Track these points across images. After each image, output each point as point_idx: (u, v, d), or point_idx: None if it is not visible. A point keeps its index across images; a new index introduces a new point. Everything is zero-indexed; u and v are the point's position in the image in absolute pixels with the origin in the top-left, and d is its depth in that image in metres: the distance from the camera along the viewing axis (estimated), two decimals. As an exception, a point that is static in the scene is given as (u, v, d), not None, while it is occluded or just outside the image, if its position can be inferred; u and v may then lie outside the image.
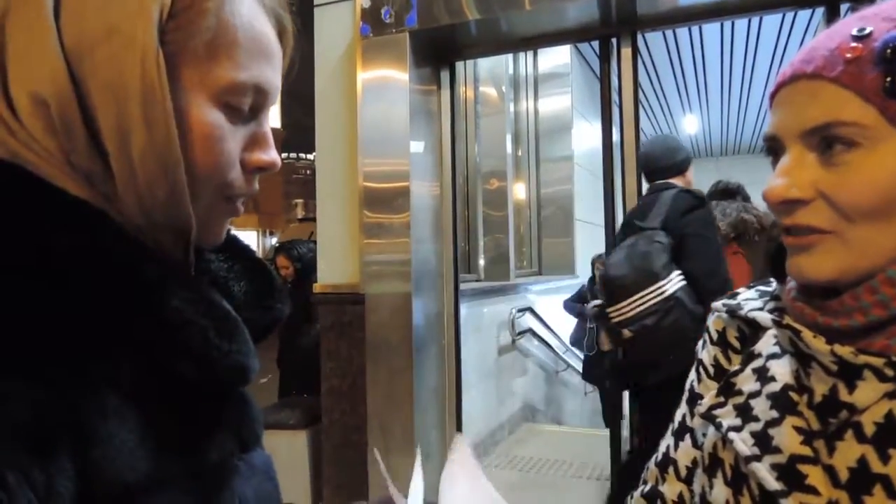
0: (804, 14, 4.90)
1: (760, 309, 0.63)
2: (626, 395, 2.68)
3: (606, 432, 3.78)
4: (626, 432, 2.73)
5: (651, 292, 2.06)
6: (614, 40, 2.66)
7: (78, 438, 0.37)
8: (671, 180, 2.41)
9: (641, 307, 2.06)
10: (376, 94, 2.75)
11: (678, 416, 0.71)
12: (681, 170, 2.46)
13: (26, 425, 0.35)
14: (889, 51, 0.48)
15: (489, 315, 4.25)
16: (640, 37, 2.66)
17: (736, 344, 0.67)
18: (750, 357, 0.62)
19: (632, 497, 0.73)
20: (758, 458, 0.55)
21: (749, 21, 5.08)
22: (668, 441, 0.72)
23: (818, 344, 0.52)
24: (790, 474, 0.53)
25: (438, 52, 2.88)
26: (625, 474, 2.69)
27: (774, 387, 0.57)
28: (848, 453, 0.51)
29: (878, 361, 0.50)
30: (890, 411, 0.50)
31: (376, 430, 2.78)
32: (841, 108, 0.50)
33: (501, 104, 4.87)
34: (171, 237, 0.47)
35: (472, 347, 3.78)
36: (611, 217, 2.73)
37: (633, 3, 2.46)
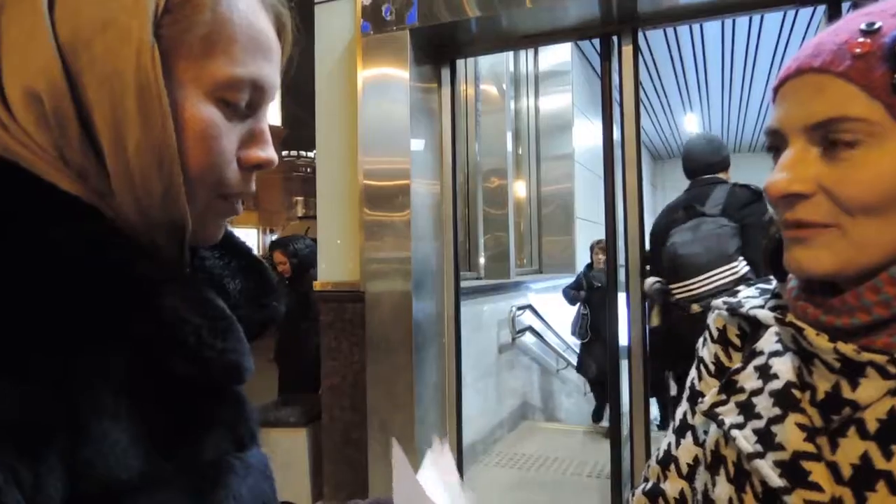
0: (805, 12, 4.90)
1: (761, 307, 0.63)
2: (625, 390, 2.69)
3: (606, 429, 3.80)
4: (625, 431, 2.73)
5: (724, 271, 2.21)
6: (615, 38, 2.65)
7: (70, 436, 0.36)
8: (719, 175, 2.61)
9: (712, 284, 2.21)
10: (377, 92, 2.75)
11: (679, 414, 0.71)
12: (725, 166, 2.68)
13: (15, 423, 0.34)
14: None
15: (489, 313, 4.25)
16: (641, 34, 2.65)
17: (737, 342, 0.67)
18: (752, 355, 0.62)
19: (633, 495, 0.73)
20: (761, 455, 0.55)
21: (750, 19, 5.07)
22: (669, 439, 0.72)
23: (821, 342, 0.52)
24: (793, 471, 0.53)
25: (439, 50, 2.88)
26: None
27: (777, 384, 0.57)
28: (851, 450, 0.51)
29: (881, 359, 0.50)
30: (893, 408, 0.50)
31: (376, 427, 2.78)
32: (847, 103, 0.50)
33: (502, 102, 4.87)
34: (165, 235, 0.46)
35: (473, 345, 3.78)
36: (611, 215, 2.73)
37: (633, 0, 2.46)
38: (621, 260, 2.70)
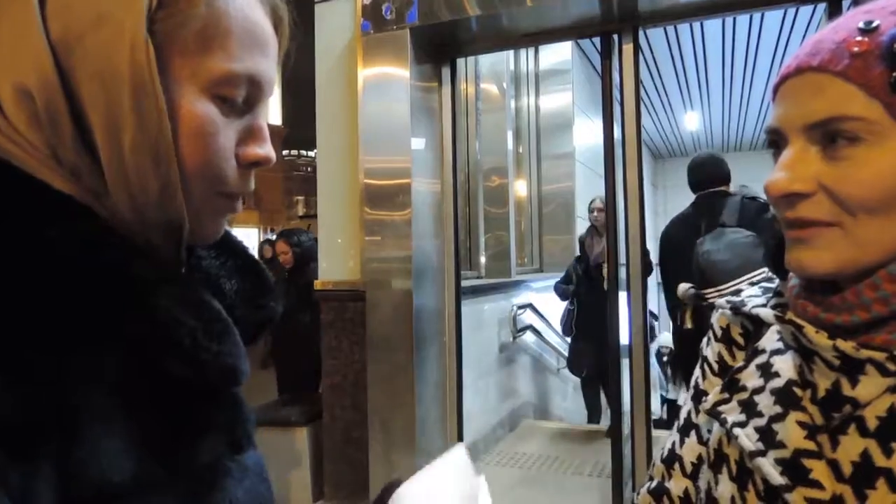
0: (806, 10, 4.89)
1: (764, 305, 0.63)
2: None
3: (606, 428, 3.81)
4: (626, 429, 2.73)
5: (752, 277, 2.38)
6: (616, 36, 2.65)
7: (62, 438, 0.35)
8: (723, 188, 2.97)
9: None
10: (377, 91, 2.75)
11: (683, 413, 0.71)
12: (728, 179, 3.02)
13: (6, 425, 0.33)
14: None
15: (490, 312, 4.25)
16: (641, 33, 2.65)
17: (740, 341, 0.67)
18: (754, 353, 0.62)
19: (638, 494, 0.73)
20: (762, 453, 0.55)
21: (750, 17, 5.07)
22: (673, 437, 0.72)
23: (820, 339, 0.52)
24: (794, 469, 0.53)
25: (439, 49, 2.87)
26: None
27: (778, 382, 0.57)
28: (851, 448, 0.51)
29: (880, 356, 0.50)
30: (892, 405, 0.50)
31: (377, 426, 2.78)
32: (846, 102, 0.50)
33: (502, 101, 4.86)
34: (161, 234, 0.45)
35: (473, 344, 3.78)
36: (612, 213, 2.73)
37: (634, -2, 2.46)
38: (622, 259, 2.70)
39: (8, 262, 0.37)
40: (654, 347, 4.78)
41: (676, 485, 0.69)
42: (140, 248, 0.43)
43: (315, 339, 4.20)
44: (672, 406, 6.07)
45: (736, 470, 0.58)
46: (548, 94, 5.73)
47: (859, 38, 0.50)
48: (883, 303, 0.51)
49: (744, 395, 0.59)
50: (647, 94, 7.13)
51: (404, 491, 0.53)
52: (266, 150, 0.49)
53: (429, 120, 2.88)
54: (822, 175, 0.52)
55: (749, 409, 0.58)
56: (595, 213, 4.13)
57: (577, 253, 4.50)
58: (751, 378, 0.60)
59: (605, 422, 4.15)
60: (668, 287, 3.17)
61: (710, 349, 0.70)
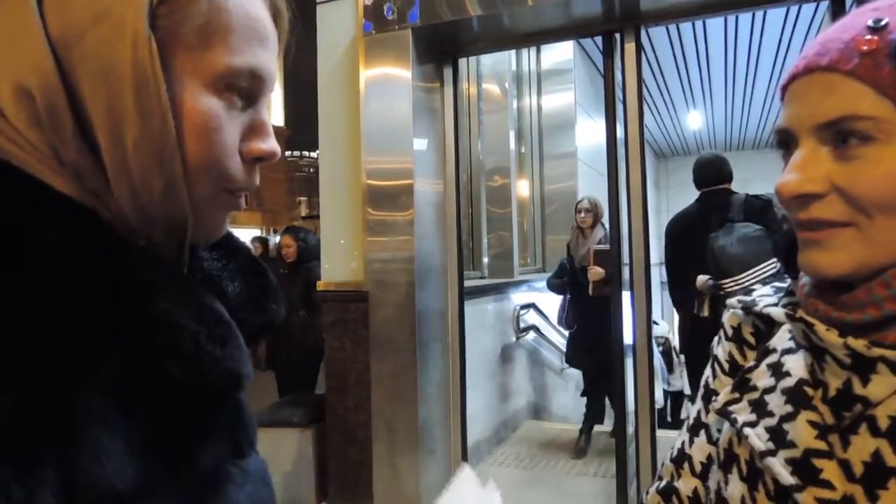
0: (808, 8, 4.89)
1: (775, 305, 0.62)
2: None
3: (610, 428, 3.80)
4: (630, 429, 2.72)
5: (766, 267, 2.65)
6: (618, 35, 2.65)
7: (63, 446, 0.35)
8: (727, 186, 3.16)
9: (759, 278, 2.64)
10: (379, 92, 2.74)
11: (693, 412, 0.71)
12: (731, 178, 3.20)
13: (8, 435, 0.33)
14: None
15: (493, 312, 4.24)
16: (643, 31, 2.65)
17: (751, 340, 0.66)
18: (765, 353, 0.61)
19: (647, 494, 0.73)
20: (772, 453, 0.54)
21: (753, 15, 5.06)
22: (683, 437, 0.71)
23: (831, 337, 0.52)
24: (805, 469, 0.52)
25: (441, 49, 2.87)
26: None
27: (789, 381, 0.57)
28: (862, 447, 0.51)
29: (891, 354, 0.49)
30: None
31: (381, 427, 2.78)
32: (857, 102, 0.49)
33: (505, 101, 4.86)
34: (165, 233, 0.45)
35: (476, 344, 3.78)
36: (615, 213, 2.72)
37: (636, -3, 2.45)
38: (625, 258, 2.70)
39: (6, 265, 0.37)
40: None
41: (686, 484, 0.68)
42: (142, 249, 0.43)
43: (312, 340, 4.28)
44: (676, 398, 6.08)
45: (746, 470, 0.58)
46: (550, 93, 5.73)
47: (868, 37, 0.50)
48: (895, 301, 0.50)
49: (754, 395, 0.59)
50: (649, 93, 7.12)
51: None
52: (270, 144, 0.48)
53: (431, 120, 2.88)
54: (834, 175, 0.51)
55: (760, 408, 0.57)
56: (582, 214, 3.97)
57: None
58: (762, 377, 0.59)
59: (608, 423, 4.14)
60: (676, 281, 3.36)
61: (721, 348, 0.69)
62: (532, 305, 4.81)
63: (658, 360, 4.51)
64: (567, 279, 4.22)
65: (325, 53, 2.93)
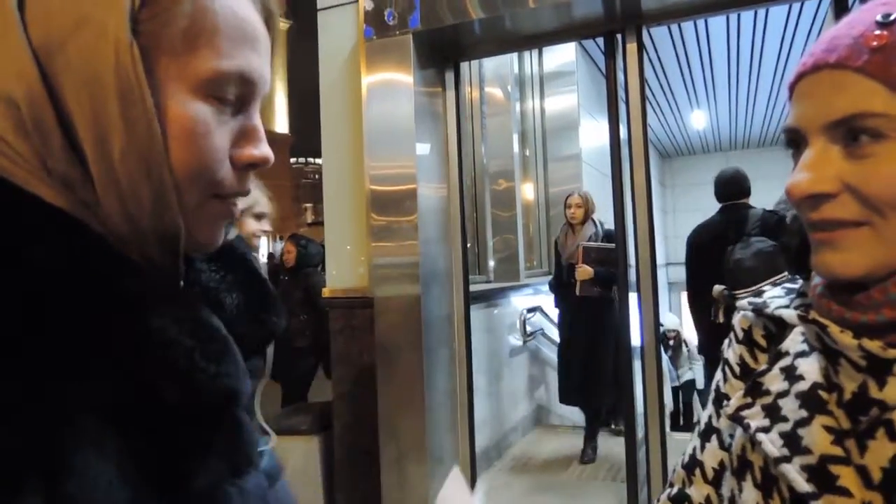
0: (811, 5, 4.86)
1: (787, 306, 0.61)
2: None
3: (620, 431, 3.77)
4: (640, 432, 2.70)
5: (779, 279, 2.80)
6: (619, 36, 2.63)
7: (49, 471, 0.33)
8: (745, 200, 3.43)
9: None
10: (381, 97, 2.74)
11: (704, 417, 0.69)
12: (749, 193, 3.47)
13: None
14: None
15: (499, 316, 4.22)
16: (645, 32, 2.63)
17: (762, 342, 0.65)
18: (777, 356, 0.60)
19: (658, 500, 0.71)
20: (787, 460, 0.52)
21: (755, 13, 5.04)
22: (694, 442, 0.70)
23: (845, 339, 0.50)
24: (821, 475, 0.50)
25: (442, 53, 2.87)
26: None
27: (803, 385, 0.55)
28: (880, 452, 0.49)
29: None
30: None
31: (388, 434, 2.76)
32: (867, 98, 0.48)
33: (507, 104, 4.86)
34: (158, 244, 0.43)
35: (483, 349, 3.76)
36: (620, 214, 2.71)
37: (637, -3, 2.44)
38: (631, 260, 2.68)
39: None
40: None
41: (698, 491, 0.67)
42: (133, 262, 0.42)
43: (308, 343, 4.33)
44: (685, 388, 6.02)
45: (760, 477, 0.56)
46: (553, 96, 5.72)
47: (878, 32, 0.48)
48: None
49: (767, 400, 0.57)
50: (652, 93, 7.10)
51: None
52: (262, 150, 0.47)
53: (433, 124, 2.87)
54: (845, 174, 0.50)
55: (773, 413, 0.56)
56: (572, 209, 3.88)
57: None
58: (774, 381, 0.58)
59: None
60: (696, 288, 3.60)
61: (732, 351, 0.68)
62: (538, 309, 4.79)
63: (665, 363, 4.48)
64: (552, 279, 4.10)
65: (327, 60, 2.93)
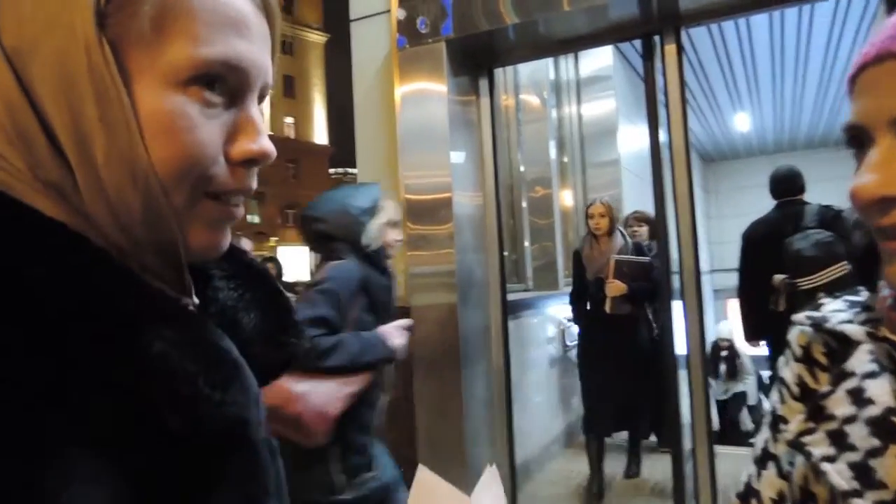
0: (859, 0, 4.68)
1: (850, 321, 0.55)
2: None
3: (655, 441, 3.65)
4: (688, 444, 2.60)
5: (839, 267, 3.01)
6: (657, 38, 2.56)
7: None
8: (801, 197, 3.52)
9: (833, 277, 2.99)
10: (415, 106, 2.73)
11: (759, 442, 0.64)
12: (804, 189, 3.56)
13: None
14: None
15: (539, 325, 4.16)
16: (684, 33, 2.56)
17: (823, 361, 0.59)
18: (841, 376, 0.54)
19: None
20: (859, 494, 0.47)
21: (800, 9, 4.87)
22: (749, 470, 0.64)
23: None
24: None
25: (476, 60, 2.84)
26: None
27: (873, 410, 0.49)
28: None
29: None
30: None
31: (426, 445, 2.73)
32: None
33: (544, 110, 4.80)
34: (157, 256, 0.41)
35: (522, 358, 3.69)
36: (662, 221, 2.63)
37: (676, -3, 2.37)
38: (675, 267, 2.59)
39: None
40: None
41: None
42: (135, 279, 0.39)
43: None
44: (734, 400, 5.80)
45: None
46: (590, 101, 5.64)
47: None
48: None
49: (832, 425, 0.52)
50: (692, 96, 6.94)
51: None
52: (260, 143, 0.43)
53: (468, 132, 2.84)
54: None
55: (839, 441, 0.50)
56: (595, 220, 3.51)
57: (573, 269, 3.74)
58: (840, 405, 0.52)
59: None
60: (751, 280, 3.66)
61: (789, 370, 0.62)
62: (578, 317, 4.69)
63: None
64: (573, 295, 3.69)
65: (361, 70, 2.93)
